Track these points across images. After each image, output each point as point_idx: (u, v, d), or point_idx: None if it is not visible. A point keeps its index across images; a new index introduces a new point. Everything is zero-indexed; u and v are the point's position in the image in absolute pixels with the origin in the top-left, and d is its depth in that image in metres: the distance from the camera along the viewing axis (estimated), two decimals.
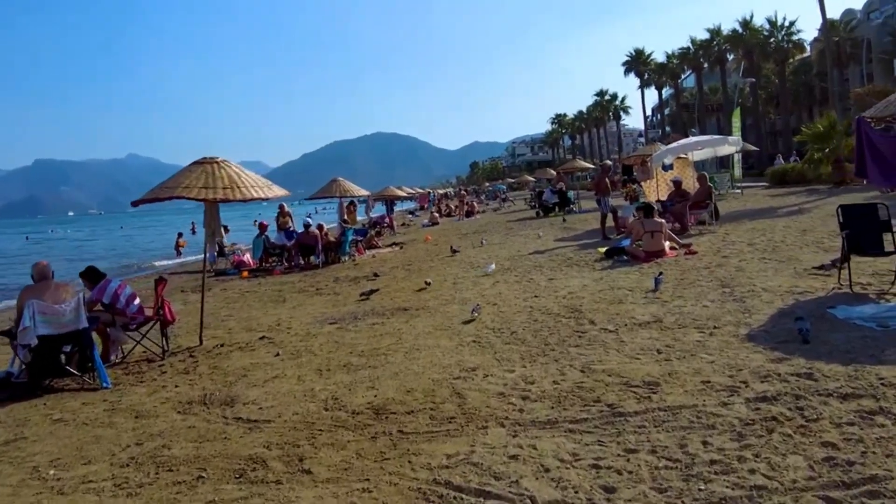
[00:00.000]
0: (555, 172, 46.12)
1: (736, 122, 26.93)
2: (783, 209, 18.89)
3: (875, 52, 57.48)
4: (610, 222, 15.97)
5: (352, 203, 36.07)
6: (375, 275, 13.54)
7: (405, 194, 36.36)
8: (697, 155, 16.81)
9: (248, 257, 18.28)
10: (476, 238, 20.56)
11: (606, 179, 15.64)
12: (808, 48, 59.20)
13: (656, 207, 12.94)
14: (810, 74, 62.94)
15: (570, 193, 29.04)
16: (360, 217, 30.21)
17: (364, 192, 19.42)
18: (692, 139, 15.85)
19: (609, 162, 15.62)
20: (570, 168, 33.16)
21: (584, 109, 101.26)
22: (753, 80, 42.96)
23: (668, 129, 77.03)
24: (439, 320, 8.08)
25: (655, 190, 19.06)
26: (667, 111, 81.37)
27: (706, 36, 60.49)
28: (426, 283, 10.77)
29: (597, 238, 15.94)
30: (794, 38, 52.12)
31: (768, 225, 14.78)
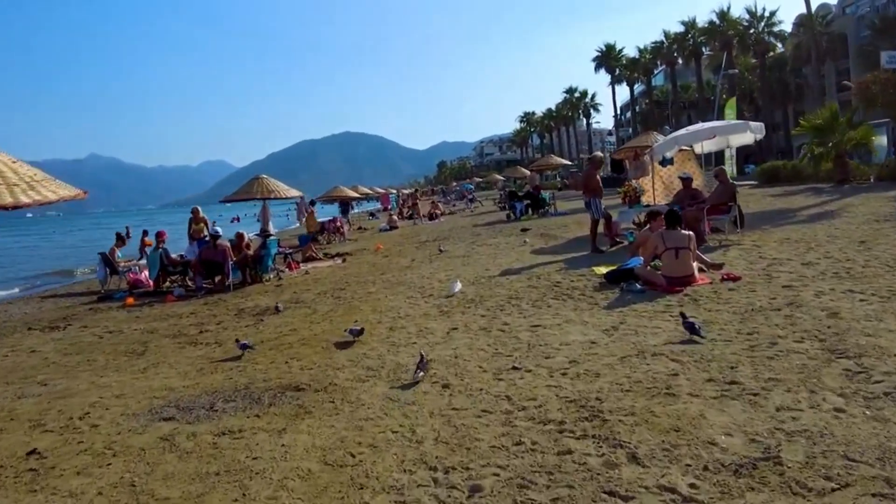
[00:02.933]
0: (527, 171, 42.87)
1: (731, 112, 23.90)
2: (801, 212, 15.76)
3: (852, 46, 55.61)
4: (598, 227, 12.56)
5: (312, 203, 32.36)
6: (277, 308, 9.91)
7: (357, 195, 32.54)
8: (706, 146, 13.53)
9: (145, 275, 14.46)
10: (435, 247, 17.03)
11: (598, 176, 12.23)
12: (778, 44, 57.06)
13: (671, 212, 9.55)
14: (785, 70, 61.06)
15: (546, 194, 25.70)
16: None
17: (294, 193, 15.77)
18: (705, 125, 12.55)
19: (600, 154, 12.25)
20: (545, 165, 29.82)
21: (554, 107, 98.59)
22: (736, 71, 40.25)
23: (638, 127, 74.58)
24: (342, 425, 4.50)
25: (651, 190, 15.78)
26: (638, 108, 78.82)
27: (681, 29, 57.86)
28: (352, 332, 7.11)
29: (585, 250, 12.54)
30: (776, 29, 49.64)
31: (805, 234, 11.53)
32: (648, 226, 9.57)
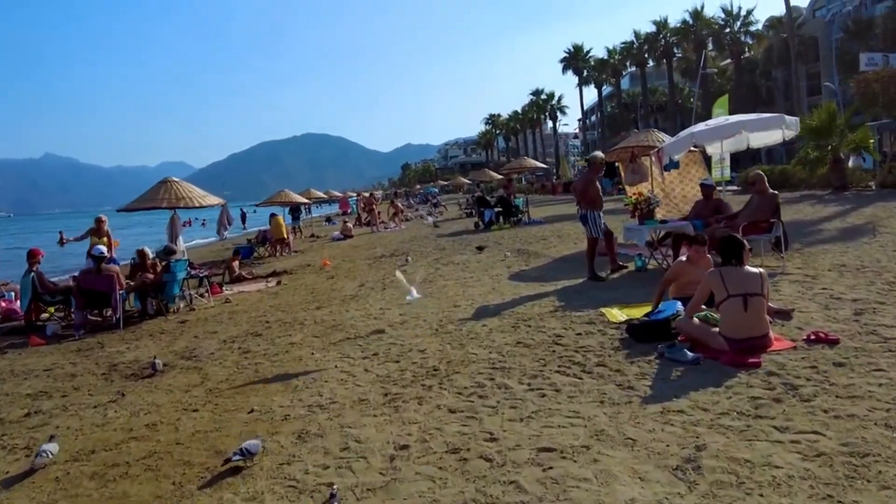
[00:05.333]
0: (495, 174, 40.14)
1: (722, 111, 21.53)
2: (824, 225, 13.34)
3: (822, 49, 54.53)
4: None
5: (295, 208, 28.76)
6: (154, 367, 6.93)
7: (305, 200, 29.37)
8: (722, 146, 10.92)
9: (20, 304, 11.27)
10: (391, 264, 14.13)
11: (597, 183, 9.49)
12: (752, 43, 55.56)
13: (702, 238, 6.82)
14: (755, 73, 59.77)
15: (520, 200, 22.97)
16: (249, 229, 23.23)
17: (213, 200, 12.65)
18: (731, 119, 9.96)
19: (600, 154, 9.53)
20: (518, 168, 27.05)
21: (520, 109, 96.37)
22: (715, 70, 38.30)
23: (606, 130, 72.66)
24: None
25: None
26: (606, 111, 76.91)
27: (652, 29, 55.91)
28: (240, 454, 4.12)
29: (578, 274, 9.81)
30: (752, 28, 47.93)
31: (860, 257, 8.98)
32: (684, 254, 6.82)
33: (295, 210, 29.77)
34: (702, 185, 10.00)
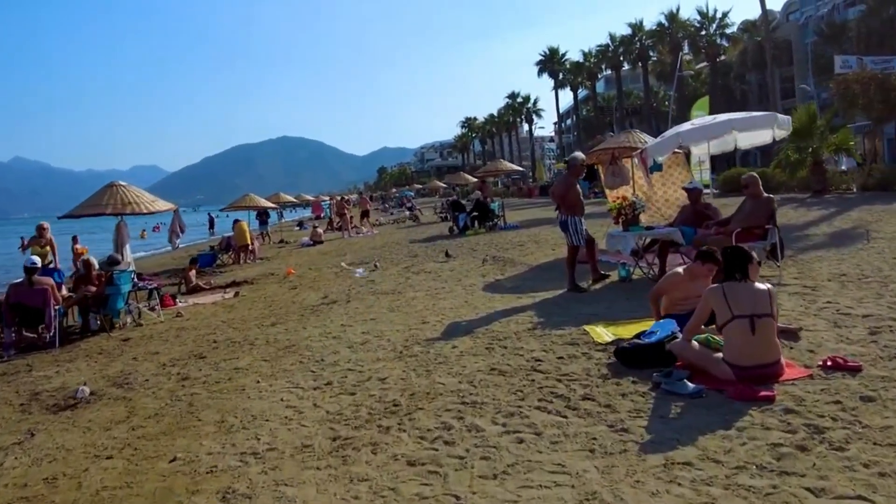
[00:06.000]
0: (471, 177, 39.45)
1: (702, 112, 21.03)
2: (811, 230, 12.80)
3: (796, 52, 54.79)
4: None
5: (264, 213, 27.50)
6: (78, 395, 6.08)
7: (272, 204, 28.33)
8: (709, 147, 10.27)
9: None
10: (359, 273, 13.31)
11: (578, 187, 8.75)
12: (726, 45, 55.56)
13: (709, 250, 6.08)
14: (729, 76, 59.85)
15: (495, 204, 22.22)
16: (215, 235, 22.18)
17: (163, 206, 11.66)
18: (720, 117, 9.27)
19: (580, 155, 8.78)
20: (494, 171, 26.31)
21: (496, 113, 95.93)
22: (692, 72, 38.02)
23: (582, 134, 72.37)
24: None
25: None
26: (582, 114, 76.63)
27: (627, 31, 55.67)
28: None
29: (557, 284, 9.07)
30: (728, 31, 47.84)
31: (859, 265, 8.36)
32: (680, 266, 6.07)
33: (262, 215, 28.74)
34: (687, 189, 9.31)
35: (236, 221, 20.51)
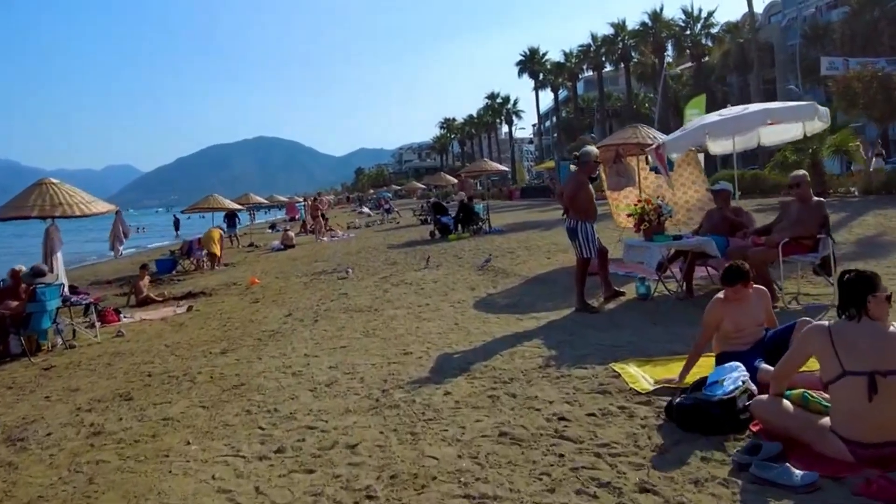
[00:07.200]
0: (451, 178, 38.06)
1: (698, 111, 19.87)
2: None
3: (778, 55, 54.29)
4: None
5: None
6: None
7: (237, 206, 26.64)
8: (734, 143, 8.97)
9: None
10: (330, 282, 11.87)
11: (590, 186, 7.39)
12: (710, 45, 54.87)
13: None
14: (710, 79, 59.21)
15: (479, 206, 20.81)
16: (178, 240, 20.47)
17: (103, 207, 10.01)
18: (752, 107, 7.99)
19: (593, 149, 7.29)
20: (478, 170, 24.86)
21: (475, 113, 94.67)
22: (678, 71, 37.07)
23: (563, 135, 71.33)
24: None
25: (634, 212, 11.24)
26: (562, 115, 75.62)
27: (610, 31, 54.64)
28: None
29: (561, 302, 7.71)
30: (713, 31, 47.06)
31: None
32: (726, 289, 4.68)
33: (231, 216, 27.03)
34: (714, 191, 8.01)
35: (211, 229, 18.83)
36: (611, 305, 7.54)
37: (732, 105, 39.01)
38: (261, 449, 4.24)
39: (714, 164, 37.51)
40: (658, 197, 8.19)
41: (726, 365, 4.22)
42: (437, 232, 19.94)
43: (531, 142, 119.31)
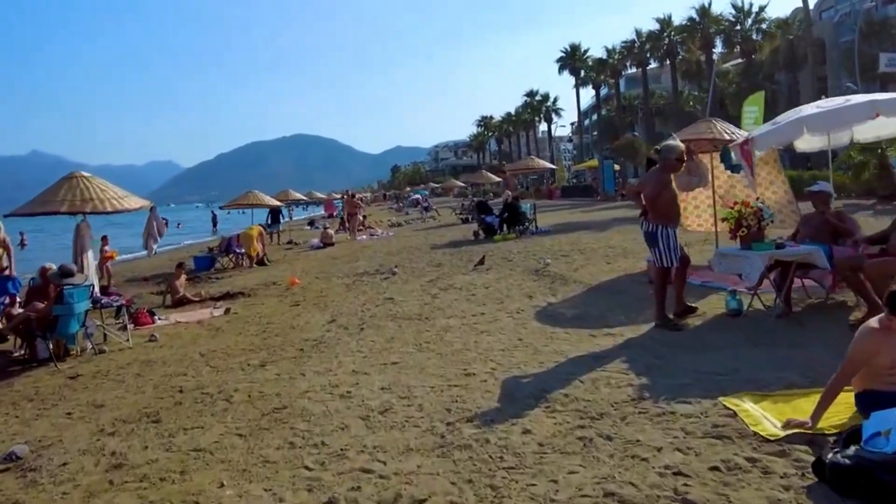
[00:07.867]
0: (493, 176, 37.17)
1: (754, 108, 18.76)
2: None
3: (829, 52, 52.10)
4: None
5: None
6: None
7: (277, 202, 26.20)
8: (829, 139, 8.01)
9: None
10: (374, 284, 11.19)
11: (673, 186, 6.52)
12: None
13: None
14: (758, 77, 57.18)
15: (527, 206, 19.93)
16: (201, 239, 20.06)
17: (138, 203, 9.27)
18: (855, 98, 7.04)
19: (679, 144, 6.37)
20: (524, 168, 23.93)
21: (513, 111, 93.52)
22: (729, 66, 35.54)
23: (601, 133, 69.79)
24: None
25: (713, 215, 10.34)
26: (603, 112, 74.02)
27: (655, 27, 53.02)
28: None
29: (635, 314, 6.86)
30: (764, 26, 45.28)
31: None
32: (876, 322, 3.79)
33: (274, 213, 26.66)
34: (812, 192, 7.06)
35: (251, 227, 18.34)
36: (696, 322, 6.65)
37: (781, 103, 37.15)
38: (308, 499, 3.51)
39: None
40: (758, 199, 7.23)
41: (889, 411, 3.35)
42: (481, 232, 19.15)
43: (570, 140, 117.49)
